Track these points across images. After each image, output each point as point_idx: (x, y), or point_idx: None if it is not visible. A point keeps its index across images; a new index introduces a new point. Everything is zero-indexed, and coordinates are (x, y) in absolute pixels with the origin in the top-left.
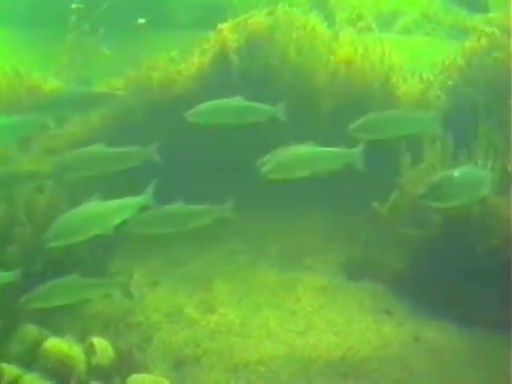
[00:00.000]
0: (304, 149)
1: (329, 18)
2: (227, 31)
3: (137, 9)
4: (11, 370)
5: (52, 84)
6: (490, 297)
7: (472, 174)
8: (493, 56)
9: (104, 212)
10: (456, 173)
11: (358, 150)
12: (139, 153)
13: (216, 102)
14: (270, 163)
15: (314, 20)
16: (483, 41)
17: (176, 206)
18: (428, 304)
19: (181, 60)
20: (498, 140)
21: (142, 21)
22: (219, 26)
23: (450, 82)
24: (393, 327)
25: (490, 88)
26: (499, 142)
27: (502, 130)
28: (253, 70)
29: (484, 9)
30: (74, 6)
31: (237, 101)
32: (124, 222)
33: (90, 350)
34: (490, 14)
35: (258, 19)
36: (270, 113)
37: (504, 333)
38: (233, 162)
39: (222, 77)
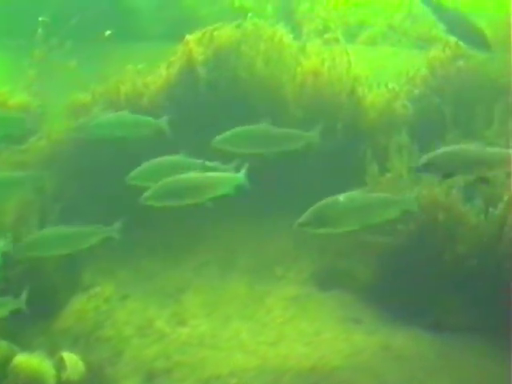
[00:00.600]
0: (190, 175)
1: (296, 29)
2: (193, 43)
3: (104, 21)
4: None
5: (19, 98)
6: (459, 303)
7: (361, 199)
8: (456, 65)
9: None
10: (341, 197)
11: (242, 172)
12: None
13: (105, 117)
14: (152, 189)
15: (282, 32)
16: (447, 51)
17: (61, 228)
18: (397, 312)
19: (148, 73)
20: None
21: (108, 32)
22: (186, 37)
23: (416, 91)
24: (363, 336)
25: (455, 97)
26: None
27: (468, 138)
28: (220, 83)
29: (485, 46)
30: (40, 18)
31: (123, 115)
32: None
33: (60, 365)
34: None
35: (225, 31)
36: (154, 126)
37: (473, 339)
38: None
39: (189, 89)
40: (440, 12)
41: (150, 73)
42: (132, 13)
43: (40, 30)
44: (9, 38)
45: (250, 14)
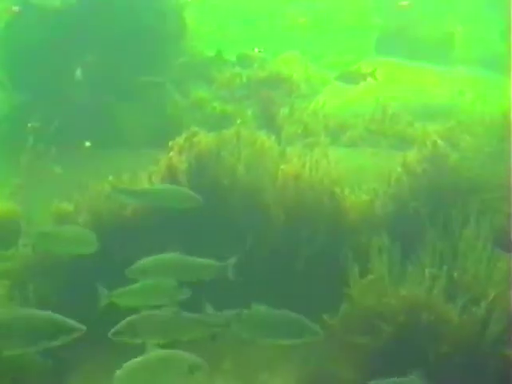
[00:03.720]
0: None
1: (277, 132)
2: (174, 152)
3: (87, 128)
4: None
5: (4, 206)
6: None
7: None
8: (432, 165)
9: None
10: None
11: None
12: None
13: None
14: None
15: (263, 137)
16: (424, 150)
17: None
18: None
19: (130, 182)
20: (444, 247)
21: (88, 144)
22: (170, 144)
23: (392, 192)
24: None
25: (432, 196)
26: (445, 249)
27: (446, 237)
28: (202, 190)
29: None
30: (29, 125)
31: None
32: None
33: None
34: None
35: (205, 138)
36: None
37: None
38: None
39: None
40: None
41: (133, 183)
42: (116, 120)
43: (30, 138)
44: None
45: (238, 121)
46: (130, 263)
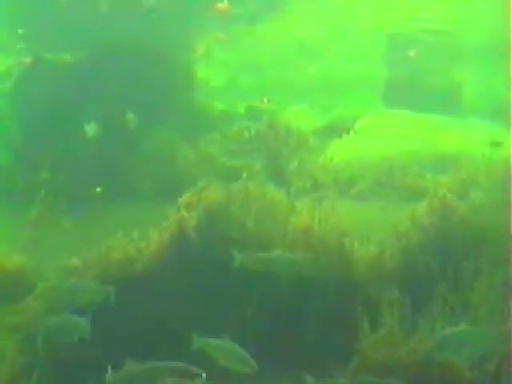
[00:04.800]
0: None
1: (286, 186)
2: (184, 209)
3: (97, 180)
4: None
5: (17, 260)
6: None
7: None
8: (430, 220)
9: None
10: None
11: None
12: None
13: None
14: None
15: (272, 191)
16: (435, 201)
17: None
18: None
19: (140, 238)
20: (455, 300)
21: (98, 189)
22: (179, 200)
23: (401, 245)
24: None
25: (440, 249)
26: (456, 302)
27: (457, 290)
28: (212, 245)
29: None
30: (40, 177)
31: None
32: None
33: None
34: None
35: (214, 193)
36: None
37: None
38: None
39: (182, 254)
40: None
41: (143, 238)
42: (125, 173)
43: (42, 192)
44: (9, 196)
45: (244, 175)
46: (140, 316)
